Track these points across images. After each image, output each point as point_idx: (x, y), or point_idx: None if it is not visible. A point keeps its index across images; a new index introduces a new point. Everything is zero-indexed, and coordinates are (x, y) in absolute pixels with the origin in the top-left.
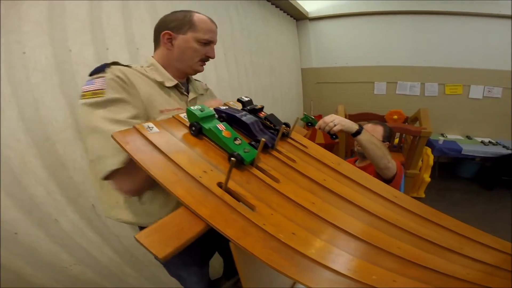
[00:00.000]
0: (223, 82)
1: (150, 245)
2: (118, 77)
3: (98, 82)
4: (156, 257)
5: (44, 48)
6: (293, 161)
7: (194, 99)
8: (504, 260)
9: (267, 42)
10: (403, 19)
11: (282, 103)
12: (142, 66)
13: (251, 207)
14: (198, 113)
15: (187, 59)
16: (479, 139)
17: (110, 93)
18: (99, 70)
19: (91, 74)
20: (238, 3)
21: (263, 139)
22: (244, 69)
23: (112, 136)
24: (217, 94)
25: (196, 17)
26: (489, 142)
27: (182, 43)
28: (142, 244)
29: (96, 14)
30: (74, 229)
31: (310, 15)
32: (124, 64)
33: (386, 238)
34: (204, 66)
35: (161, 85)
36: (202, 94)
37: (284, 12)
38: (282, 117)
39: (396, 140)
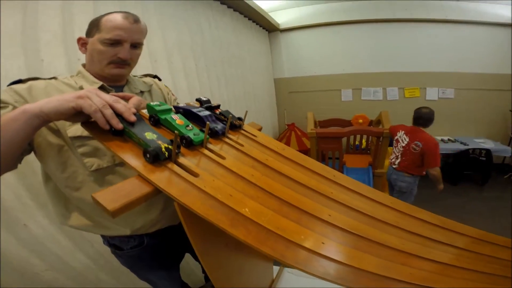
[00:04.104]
0: (194, 92)
1: (103, 200)
2: (17, 93)
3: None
4: (108, 214)
5: (17, 58)
6: (241, 145)
7: None
8: (443, 235)
9: (239, 52)
10: (363, 28)
11: (256, 113)
12: (72, 76)
13: (195, 175)
14: (156, 107)
15: (96, 63)
16: (439, 138)
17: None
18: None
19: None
20: (210, 15)
21: (208, 123)
22: (216, 79)
23: (81, 125)
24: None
25: (106, 17)
26: (448, 139)
27: (90, 46)
28: (96, 200)
29: (68, 26)
30: (45, 234)
31: (281, 27)
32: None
33: (317, 206)
34: (122, 68)
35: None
36: (143, 92)
37: (256, 24)
38: None
39: (364, 143)
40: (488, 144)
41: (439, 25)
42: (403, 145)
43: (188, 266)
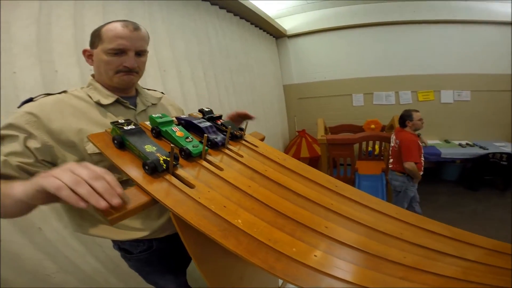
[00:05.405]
0: (203, 101)
1: (103, 210)
2: (29, 113)
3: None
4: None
5: (33, 69)
6: (241, 156)
7: (143, 111)
8: (452, 246)
9: (247, 60)
10: (372, 31)
11: (266, 120)
12: (83, 88)
13: (191, 186)
14: (158, 119)
15: (103, 73)
16: (457, 142)
17: (5, 130)
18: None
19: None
20: (216, 24)
21: (205, 135)
22: (225, 87)
23: (87, 137)
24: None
25: (106, 26)
26: (466, 144)
27: (95, 57)
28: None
29: (80, 37)
30: (58, 238)
31: (289, 33)
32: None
33: (314, 217)
34: (131, 75)
35: (98, 104)
36: (154, 104)
37: (263, 30)
38: (265, 133)
39: (377, 149)
40: (509, 148)
41: (449, 26)
42: (392, 145)
43: (196, 272)
